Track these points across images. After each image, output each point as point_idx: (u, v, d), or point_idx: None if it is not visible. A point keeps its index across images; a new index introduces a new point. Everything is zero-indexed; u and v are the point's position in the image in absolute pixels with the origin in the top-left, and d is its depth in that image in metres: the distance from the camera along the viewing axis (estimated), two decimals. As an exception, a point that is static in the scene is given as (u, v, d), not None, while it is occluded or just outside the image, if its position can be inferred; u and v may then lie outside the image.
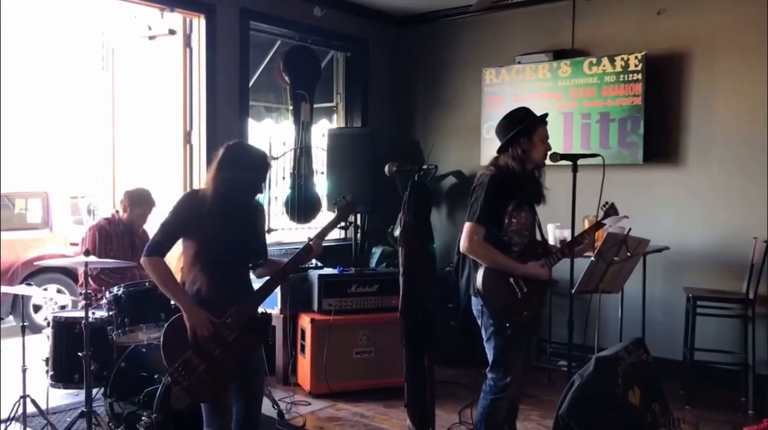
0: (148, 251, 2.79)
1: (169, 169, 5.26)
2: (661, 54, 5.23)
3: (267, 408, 4.07)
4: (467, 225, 3.21)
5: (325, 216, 6.14)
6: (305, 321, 4.83)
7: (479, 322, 3.33)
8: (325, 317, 4.78)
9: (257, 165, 2.87)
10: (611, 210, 3.44)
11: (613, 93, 5.31)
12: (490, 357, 3.32)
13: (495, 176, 3.24)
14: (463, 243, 3.22)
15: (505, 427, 3.44)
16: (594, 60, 5.41)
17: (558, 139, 5.26)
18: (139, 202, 4.47)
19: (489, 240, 3.22)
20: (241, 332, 2.78)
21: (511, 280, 3.21)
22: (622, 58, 5.26)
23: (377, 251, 6.08)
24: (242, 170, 2.81)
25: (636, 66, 5.20)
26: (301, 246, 2.98)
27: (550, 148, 3.28)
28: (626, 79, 5.25)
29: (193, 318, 2.73)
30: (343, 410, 4.55)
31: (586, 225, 4.71)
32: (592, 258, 3.48)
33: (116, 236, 4.41)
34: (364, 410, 4.53)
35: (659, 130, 5.25)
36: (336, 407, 4.59)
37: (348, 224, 6.39)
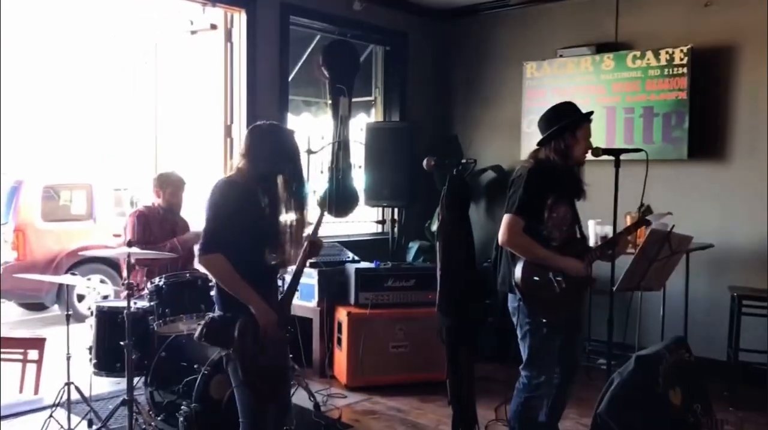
0: (204, 249, 2.61)
1: (209, 162, 5.32)
2: (708, 47, 5.11)
3: (303, 400, 4.10)
4: (506, 217, 3.18)
5: (362, 210, 6.16)
6: (342, 314, 4.85)
7: (514, 320, 3.30)
8: (362, 311, 4.80)
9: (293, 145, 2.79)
10: (647, 212, 3.36)
11: (658, 87, 5.20)
12: (524, 355, 3.29)
13: (535, 168, 3.21)
14: (501, 235, 3.19)
15: (541, 425, 3.40)
16: (638, 53, 5.31)
17: (600, 134, 5.17)
18: (167, 182, 4.53)
19: (528, 233, 3.19)
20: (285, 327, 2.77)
21: (551, 275, 3.17)
22: (667, 52, 5.15)
23: (414, 246, 6.07)
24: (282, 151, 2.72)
25: (681, 59, 5.09)
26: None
27: (591, 147, 3.24)
28: (671, 72, 5.14)
29: (266, 317, 2.61)
30: (379, 403, 4.56)
31: (628, 221, 4.64)
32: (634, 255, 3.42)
33: (156, 222, 4.48)
34: (400, 404, 4.53)
35: (705, 125, 5.13)
36: (372, 400, 4.60)
37: (384, 219, 6.40)
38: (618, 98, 5.43)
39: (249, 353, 2.59)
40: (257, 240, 2.68)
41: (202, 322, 2.72)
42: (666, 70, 5.17)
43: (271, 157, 2.70)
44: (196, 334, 2.69)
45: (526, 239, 3.16)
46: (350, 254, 5.24)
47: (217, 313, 2.70)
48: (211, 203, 2.67)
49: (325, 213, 3.08)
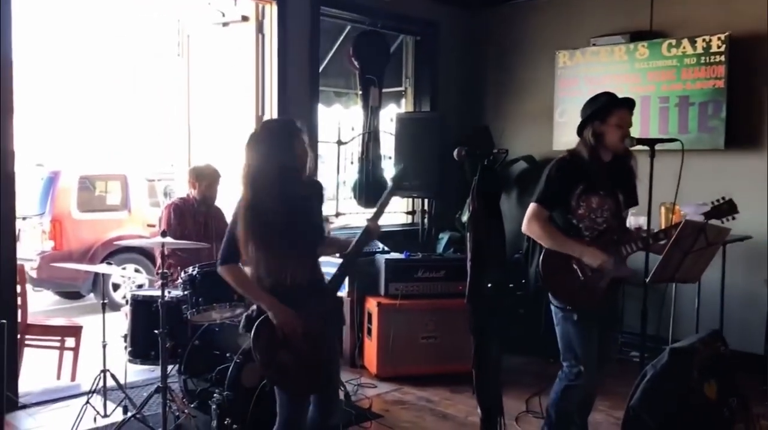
0: (220, 260, 2.77)
1: (242, 153, 5.35)
2: (746, 34, 4.99)
3: (334, 390, 4.13)
4: (530, 206, 3.19)
5: (392, 201, 6.15)
6: (372, 304, 4.87)
7: (551, 307, 3.28)
8: (392, 301, 4.81)
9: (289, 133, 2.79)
10: (726, 207, 3.25)
11: (694, 76, 5.11)
12: (560, 344, 3.27)
13: (563, 159, 3.21)
14: (523, 223, 3.20)
15: (575, 417, 3.38)
16: (673, 42, 5.21)
17: (634, 124, 5.05)
18: (203, 175, 4.58)
19: (559, 222, 3.17)
20: (323, 322, 2.74)
21: (574, 264, 3.15)
22: (704, 40, 5.04)
23: (444, 237, 6.05)
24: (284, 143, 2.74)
25: (719, 47, 4.98)
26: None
27: (627, 134, 3.18)
28: (708, 61, 5.04)
29: (280, 317, 2.65)
30: (409, 394, 4.57)
31: (663, 212, 4.57)
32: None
33: (190, 215, 4.54)
34: (430, 394, 4.54)
35: (742, 115, 5.03)
36: (402, 390, 4.61)
37: (414, 210, 6.39)
38: (653, 87, 5.34)
39: (264, 349, 2.65)
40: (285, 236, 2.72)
41: (245, 315, 2.77)
42: (703, 58, 5.06)
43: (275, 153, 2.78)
44: (240, 326, 2.79)
45: (547, 227, 3.15)
46: (380, 245, 5.25)
47: (255, 305, 2.77)
48: (233, 220, 2.79)
49: (389, 199, 3.01)
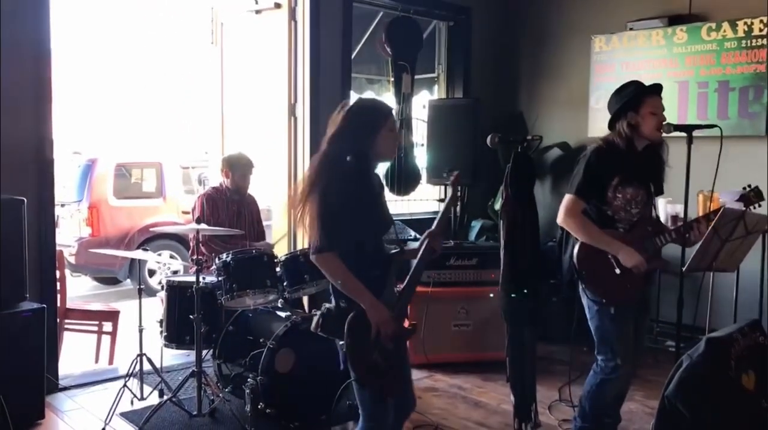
0: (316, 249, 2.49)
1: (274, 141, 5.39)
2: (790, 17, 4.85)
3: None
4: (565, 197, 3.14)
5: (424, 188, 6.13)
6: (404, 292, 4.86)
7: (583, 301, 3.24)
8: (424, 289, 4.79)
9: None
10: (753, 195, 3.22)
11: (734, 60, 4.98)
12: (595, 338, 3.24)
13: (598, 149, 3.14)
14: (559, 214, 3.15)
15: (609, 409, 3.35)
16: (713, 25, 5.09)
17: (672, 110, 5.00)
18: (237, 165, 4.61)
19: (592, 213, 3.13)
20: (402, 321, 2.66)
21: (610, 256, 3.10)
22: (745, 23, 4.92)
23: (476, 225, 6.02)
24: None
25: (761, 30, 4.85)
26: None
27: (664, 120, 3.12)
28: (749, 44, 4.91)
29: (379, 315, 2.50)
30: (441, 381, 4.58)
31: (701, 200, 4.49)
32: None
33: (223, 204, 4.58)
34: (462, 382, 4.54)
35: (785, 100, 4.90)
36: (434, 378, 4.62)
37: (458, 200, 6.36)
38: (691, 72, 5.22)
39: (358, 348, 2.53)
40: (374, 228, 2.63)
41: (319, 312, 2.62)
42: (744, 41, 4.94)
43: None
44: (313, 325, 2.61)
45: (583, 219, 3.10)
46: (412, 233, 5.24)
47: (333, 303, 2.61)
48: (330, 192, 2.53)
49: (452, 202, 2.89)
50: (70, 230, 8.02)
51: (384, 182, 2.78)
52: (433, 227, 2.72)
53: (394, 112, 2.67)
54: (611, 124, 3.18)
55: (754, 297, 4.73)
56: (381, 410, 2.63)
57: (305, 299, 5.00)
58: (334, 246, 2.48)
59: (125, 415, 3.85)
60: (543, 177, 6.20)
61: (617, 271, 3.10)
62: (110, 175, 8.18)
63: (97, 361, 5.03)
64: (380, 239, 2.66)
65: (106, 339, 5.05)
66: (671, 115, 3.22)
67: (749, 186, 3.25)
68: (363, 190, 2.56)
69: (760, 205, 3.27)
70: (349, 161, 2.51)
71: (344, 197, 2.48)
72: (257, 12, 5.47)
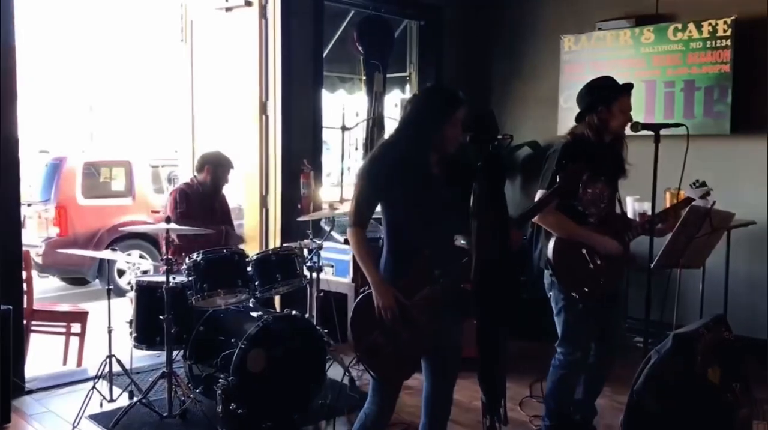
0: (349, 223, 2.67)
1: (245, 139, 5.36)
2: (752, 18, 4.95)
3: (339, 374, 4.15)
4: (538, 193, 3.17)
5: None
6: (376, 291, 4.86)
7: (549, 295, 3.28)
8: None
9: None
10: (703, 191, 3.31)
11: (700, 60, 5.07)
12: (559, 331, 3.28)
13: (568, 144, 3.19)
14: None
15: (575, 403, 3.39)
16: (679, 26, 5.17)
17: (639, 109, 5.05)
18: (218, 163, 4.60)
19: (563, 209, 3.16)
20: (433, 313, 2.62)
21: (584, 251, 3.15)
22: (710, 24, 5.00)
23: (449, 223, 6.04)
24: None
25: (725, 31, 4.94)
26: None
27: (630, 120, 3.18)
28: (714, 45, 5.00)
29: (381, 296, 2.56)
30: (414, 378, 4.51)
31: (668, 198, 4.55)
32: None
33: (197, 199, 4.54)
34: (435, 379, 4.54)
35: (748, 99, 4.99)
36: (406, 376, 4.62)
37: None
38: (658, 72, 5.31)
39: (360, 325, 2.62)
40: (410, 217, 2.64)
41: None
42: (709, 42, 5.03)
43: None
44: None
45: (559, 215, 3.14)
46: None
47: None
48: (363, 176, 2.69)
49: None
50: (36, 230, 7.89)
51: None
52: None
53: (462, 106, 2.66)
54: (580, 117, 3.22)
55: (719, 293, 4.82)
56: (381, 393, 2.69)
57: (277, 299, 4.98)
58: (356, 222, 2.62)
59: (94, 417, 3.80)
60: (513, 175, 6.26)
61: (591, 266, 3.14)
62: (78, 174, 8.06)
63: (65, 363, 4.96)
64: (420, 229, 2.62)
65: (74, 340, 4.98)
66: (639, 114, 3.27)
67: (697, 181, 3.33)
68: (400, 177, 2.57)
69: (709, 195, 3.36)
70: (383, 145, 2.67)
71: (370, 179, 2.61)
72: (228, 9, 5.43)
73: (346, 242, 4.97)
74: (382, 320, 2.56)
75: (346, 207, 5.80)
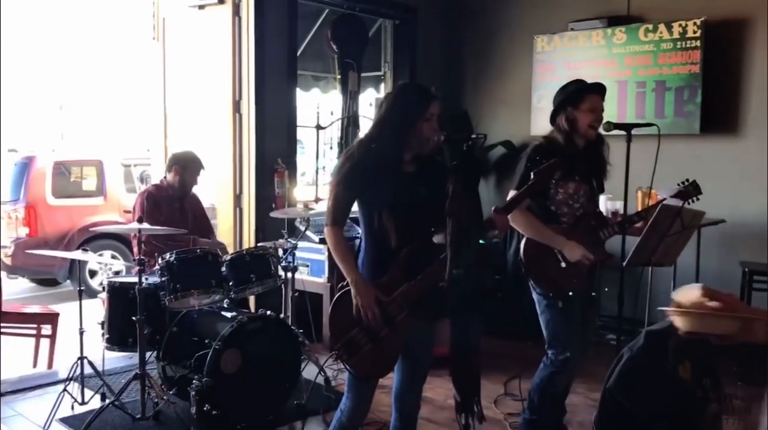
0: (325, 222, 2.67)
1: (218, 138, 5.32)
2: (721, 20, 5.03)
3: (314, 374, 4.14)
4: (510, 193, 3.19)
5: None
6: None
7: (533, 296, 3.30)
8: (372, 287, 4.80)
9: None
10: (692, 189, 3.34)
11: (670, 61, 5.14)
12: (545, 332, 3.30)
13: (539, 146, 3.22)
14: None
15: (558, 401, 3.42)
16: (650, 26, 5.24)
17: (612, 109, 5.11)
18: (187, 163, 4.53)
19: (536, 209, 3.18)
20: (411, 311, 2.61)
21: (555, 250, 3.17)
22: (680, 25, 5.07)
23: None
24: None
25: (694, 33, 5.01)
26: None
27: (600, 119, 3.21)
28: (684, 46, 5.07)
29: (361, 297, 2.56)
30: (389, 378, 4.55)
31: (640, 197, 4.61)
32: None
33: (165, 202, 4.49)
34: (410, 378, 4.55)
35: (718, 100, 5.08)
36: (382, 375, 4.62)
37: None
38: (630, 72, 5.37)
39: (339, 321, 2.62)
40: (385, 216, 2.63)
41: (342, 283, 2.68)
42: (679, 43, 5.10)
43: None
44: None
45: (528, 216, 3.16)
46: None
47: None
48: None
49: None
50: (5, 231, 7.75)
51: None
52: None
53: (435, 101, 2.63)
54: (552, 119, 3.25)
55: (690, 290, 4.88)
56: (358, 389, 2.70)
57: (252, 299, 4.95)
58: (333, 221, 2.65)
59: (65, 420, 3.75)
60: (487, 174, 6.29)
61: (563, 265, 3.16)
62: (48, 173, 7.94)
63: (35, 365, 4.88)
64: (397, 227, 2.61)
65: (44, 343, 4.90)
66: (611, 114, 3.30)
67: (687, 181, 3.37)
68: (376, 176, 2.57)
69: (698, 199, 3.40)
70: (359, 143, 2.65)
71: (347, 178, 2.60)
72: (200, 7, 5.38)
73: (321, 241, 4.96)
74: (361, 317, 2.57)
75: (321, 206, 5.82)
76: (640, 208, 4.55)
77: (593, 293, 3.47)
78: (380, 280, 2.62)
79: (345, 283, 2.66)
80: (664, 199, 3.41)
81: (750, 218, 4.98)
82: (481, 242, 3.63)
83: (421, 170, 2.68)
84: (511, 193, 3.20)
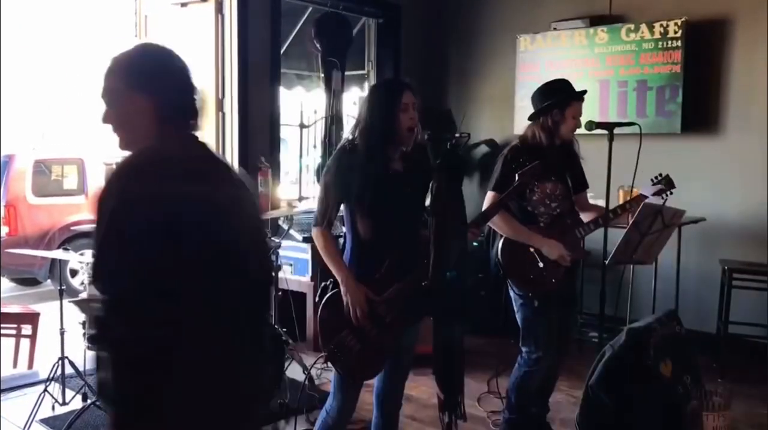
0: (313, 223, 2.67)
1: (201, 136, 5.26)
2: (702, 20, 5.08)
3: (298, 373, 4.13)
4: (487, 194, 3.22)
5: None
6: (335, 289, 4.85)
7: (511, 294, 3.32)
8: (356, 285, 4.80)
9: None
10: (666, 184, 3.39)
11: (652, 60, 5.18)
12: (520, 330, 3.32)
13: (516, 146, 3.24)
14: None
15: (534, 400, 3.44)
16: (632, 26, 5.28)
17: (594, 108, 5.16)
18: None
19: (514, 209, 3.20)
20: (402, 310, 2.62)
21: (532, 249, 3.19)
22: (662, 25, 5.12)
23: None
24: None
25: (675, 33, 5.06)
26: None
27: (579, 126, 3.25)
28: (665, 46, 5.11)
29: (350, 293, 2.56)
30: (373, 376, 4.58)
31: (621, 195, 4.65)
32: (626, 228, 3.43)
33: None
34: (394, 377, 4.55)
35: (698, 99, 5.12)
36: (365, 373, 4.62)
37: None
38: (612, 72, 5.40)
39: (330, 322, 2.61)
40: (369, 215, 2.63)
41: (323, 284, 2.68)
42: (660, 43, 5.14)
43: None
44: (317, 295, 2.70)
45: (504, 216, 3.18)
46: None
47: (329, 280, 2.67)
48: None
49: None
50: (-16, 230, 7.66)
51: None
52: None
53: (407, 90, 2.64)
54: (534, 117, 3.26)
55: (671, 288, 4.94)
56: (345, 390, 2.68)
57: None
58: (321, 222, 2.63)
59: (46, 421, 3.72)
60: (471, 173, 6.30)
61: (540, 264, 3.18)
62: (29, 172, 7.86)
63: (15, 366, 4.83)
64: (384, 226, 2.62)
65: (25, 343, 4.85)
66: (593, 113, 3.33)
67: (660, 175, 3.40)
68: (361, 175, 2.56)
69: (671, 193, 3.44)
70: (345, 144, 2.64)
71: (334, 178, 2.59)
72: (183, 5, 5.34)
73: (305, 240, 4.95)
74: (350, 318, 2.57)
75: (305, 205, 5.81)
76: (621, 207, 4.60)
77: (572, 292, 3.50)
78: (369, 280, 2.61)
79: (328, 283, 2.66)
80: (646, 197, 3.44)
81: (730, 217, 5.04)
82: (474, 244, 3.64)
83: (407, 169, 2.67)
84: (489, 195, 3.21)
